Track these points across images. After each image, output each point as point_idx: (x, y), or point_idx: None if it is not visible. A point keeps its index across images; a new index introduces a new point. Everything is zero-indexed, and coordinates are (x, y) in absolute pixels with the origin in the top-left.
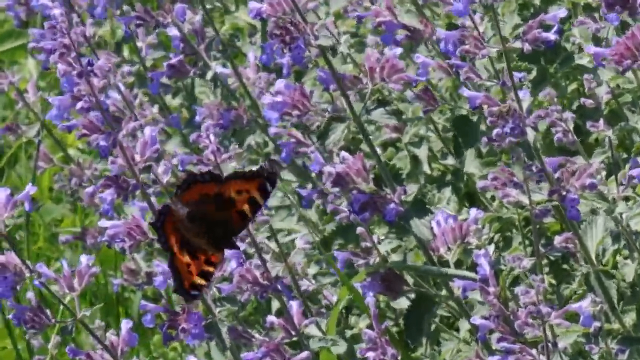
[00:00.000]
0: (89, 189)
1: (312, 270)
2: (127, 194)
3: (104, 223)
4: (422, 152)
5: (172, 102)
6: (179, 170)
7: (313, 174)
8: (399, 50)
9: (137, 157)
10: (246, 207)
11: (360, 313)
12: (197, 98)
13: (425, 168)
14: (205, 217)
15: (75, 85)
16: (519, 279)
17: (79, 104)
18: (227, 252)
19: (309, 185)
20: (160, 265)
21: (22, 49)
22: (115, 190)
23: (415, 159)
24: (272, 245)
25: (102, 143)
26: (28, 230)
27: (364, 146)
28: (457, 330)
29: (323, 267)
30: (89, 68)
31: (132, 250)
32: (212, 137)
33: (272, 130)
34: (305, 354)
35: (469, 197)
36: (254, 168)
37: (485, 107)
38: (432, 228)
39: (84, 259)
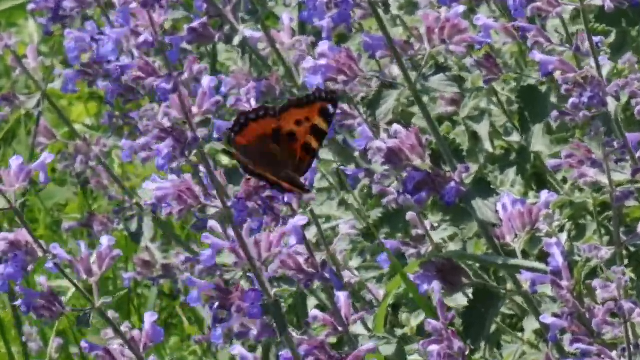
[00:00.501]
0: (142, 140)
1: (355, 263)
2: (184, 148)
3: (149, 184)
4: (482, 128)
5: None
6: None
7: (356, 154)
8: (461, 8)
9: (195, 109)
10: (310, 138)
11: (411, 310)
12: (223, 65)
13: (487, 146)
14: (267, 157)
15: (129, 19)
16: (596, 272)
17: (141, 38)
18: (286, 227)
19: (352, 165)
20: (210, 237)
21: (21, 8)
22: (172, 141)
23: (474, 136)
24: (309, 233)
25: (164, 85)
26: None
27: (416, 121)
28: (521, 331)
29: (367, 260)
30: None
31: (181, 216)
32: (252, 101)
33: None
34: (369, 345)
35: (536, 179)
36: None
37: (558, 73)
38: (497, 212)
39: (105, 240)
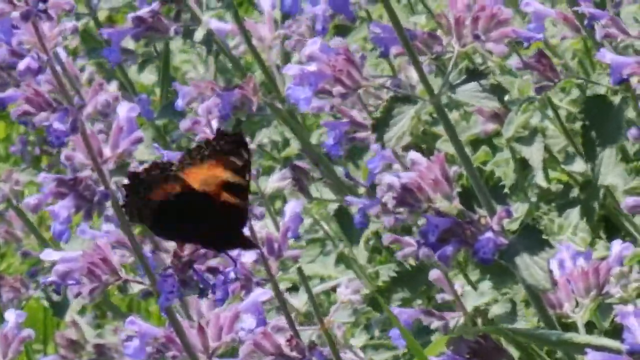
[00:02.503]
0: (31, 200)
1: (359, 340)
2: (92, 207)
3: (50, 254)
4: (534, 153)
5: (139, 78)
6: None
7: (361, 190)
8: None
9: (107, 151)
10: (226, 196)
11: None
12: (178, 70)
13: (539, 178)
14: (186, 221)
15: (13, 34)
16: None
17: (23, 64)
18: (242, 305)
19: (355, 208)
20: (136, 323)
21: None
22: (74, 200)
23: (523, 164)
24: (297, 300)
25: (57, 125)
26: None
27: (442, 145)
28: None
29: (375, 336)
30: (40, 6)
31: (95, 297)
32: (214, 123)
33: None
34: None
35: (607, 223)
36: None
37: (636, 80)
38: (551, 271)
39: (11, 316)
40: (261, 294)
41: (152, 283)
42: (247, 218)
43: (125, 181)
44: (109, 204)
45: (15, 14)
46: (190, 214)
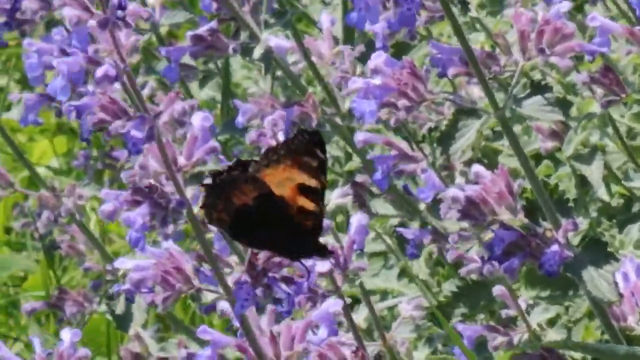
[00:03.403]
0: (107, 207)
1: (421, 355)
2: (167, 214)
3: (124, 262)
4: (594, 170)
5: (199, 94)
6: None
7: (422, 205)
8: (566, 5)
9: (182, 160)
10: (302, 199)
11: None
12: (239, 87)
13: (600, 193)
14: (263, 226)
15: (88, 42)
16: None
17: (100, 71)
18: (314, 315)
19: (417, 223)
20: (208, 332)
21: None
22: (150, 207)
23: (583, 180)
24: (357, 316)
25: (135, 132)
26: None
27: (504, 159)
28: None
29: (438, 351)
30: (119, 13)
31: (167, 306)
32: (280, 136)
33: (359, 136)
34: None
35: None
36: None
37: None
38: (616, 284)
39: (66, 335)
40: (333, 304)
41: (227, 292)
42: (323, 224)
43: (207, 181)
44: (184, 212)
45: (93, 22)
46: (267, 218)
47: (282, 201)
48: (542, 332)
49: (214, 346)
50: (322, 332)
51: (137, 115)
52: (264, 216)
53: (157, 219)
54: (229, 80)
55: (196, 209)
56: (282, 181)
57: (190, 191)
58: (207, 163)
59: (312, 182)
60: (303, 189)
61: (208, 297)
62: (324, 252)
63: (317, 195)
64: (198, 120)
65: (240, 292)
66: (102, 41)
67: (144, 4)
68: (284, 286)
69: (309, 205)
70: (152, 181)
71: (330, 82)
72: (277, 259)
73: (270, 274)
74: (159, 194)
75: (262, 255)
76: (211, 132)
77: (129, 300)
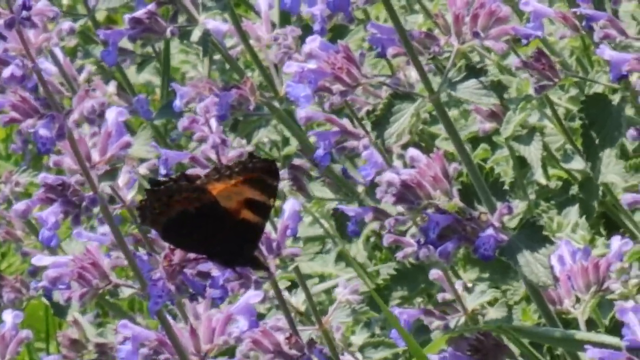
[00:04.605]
0: (20, 206)
1: (358, 339)
2: (80, 213)
3: (40, 259)
4: (532, 152)
5: (137, 78)
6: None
7: (360, 188)
8: None
9: (96, 156)
10: (246, 212)
11: None
12: (177, 71)
13: (538, 175)
14: (199, 232)
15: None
16: None
17: (7, 71)
18: (234, 307)
19: (354, 205)
20: (128, 326)
21: None
22: (62, 205)
23: (522, 162)
24: (296, 299)
25: (43, 132)
26: None
27: (441, 143)
28: None
29: (375, 334)
30: (24, 14)
31: (85, 302)
32: (213, 122)
33: (301, 113)
34: None
35: (606, 221)
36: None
37: (636, 76)
38: (551, 267)
39: (8, 316)
40: (253, 295)
41: (142, 287)
42: (261, 237)
43: (150, 186)
44: (97, 209)
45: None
46: (208, 226)
47: (226, 212)
48: (482, 312)
49: (134, 340)
50: (243, 324)
51: (47, 115)
52: (205, 224)
53: (70, 217)
54: (169, 63)
55: (112, 208)
56: (230, 195)
57: (104, 187)
58: (122, 158)
59: (261, 199)
60: (249, 203)
61: (125, 292)
62: (258, 264)
63: (262, 210)
64: (112, 115)
65: (154, 288)
66: (12, 40)
67: None
68: (198, 281)
69: (253, 218)
70: (65, 178)
71: (267, 66)
72: (192, 255)
73: (185, 270)
74: (72, 191)
75: (179, 252)
76: (147, 116)
77: (48, 297)
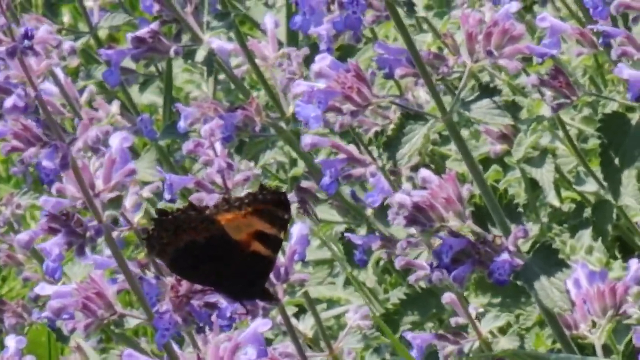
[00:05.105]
0: (23, 236)
1: None
2: (84, 242)
3: (43, 288)
4: (544, 174)
5: (140, 99)
6: (161, 202)
7: (369, 211)
8: (515, 6)
9: (100, 184)
10: (257, 245)
11: None
12: (181, 91)
13: (551, 198)
14: (207, 264)
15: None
16: None
17: (9, 101)
18: (242, 335)
19: (363, 229)
20: (133, 356)
21: None
22: (66, 236)
23: (534, 184)
24: (304, 325)
25: (47, 163)
26: None
27: (452, 164)
28: None
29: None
30: (25, 43)
31: (90, 333)
32: (218, 146)
33: (306, 139)
34: None
35: (621, 244)
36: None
37: None
38: (568, 292)
39: (11, 342)
40: (261, 324)
41: (149, 317)
42: (271, 270)
43: (157, 216)
44: (101, 239)
45: (2, 50)
46: (217, 258)
47: (236, 244)
48: (493, 340)
49: None
50: (251, 353)
51: (50, 144)
52: (214, 256)
53: (74, 247)
54: (171, 83)
55: (115, 234)
56: (240, 226)
57: (107, 215)
58: (127, 186)
59: (271, 232)
60: (260, 235)
61: (131, 322)
62: (268, 297)
63: (272, 243)
64: (116, 141)
65: (160, 321)
66: (13, 68)
67: (82, 6)
68: (205, 312)
69: (263, 250)
70: (67, 203)
71: (274, 85)
72: (199, 286)
73: (193, 302)
74: (76, 221)
75: (186, 282)
76: (151, 136)
77: (51, 328)
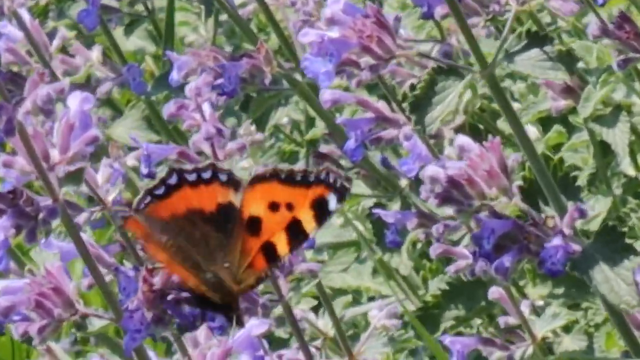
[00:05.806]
0: None
1: None
2: (36, 226)
3: None
4: (618, 135)
5: (126, 44)
6: (140, 178)
7: (404, 182)
8: None
9: (56, 155)
10: (281, 235)
11: None
12: (173, 35)
13: (625, 165)
14: (196, 245)
15: None
16: None
17: None
18: (234, 339)
19: (397, 204)
20: None
21: None
22: (13, 218)
23: (605, 148)
24: (323, 322)
25: None
26: None
27: (503, 125)
28: None
29: None
30: None
31: (46, 336)
32: (206, 107)
33: (326, 95)
34: None
35: None
36: (303, 168)
37: None
38: (637, 284)
39: None
40: (256, 325)
41: (117, 317)
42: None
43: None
44: (57, 221)
45: None
46: (217, 236)
47: (256, 224)
48: (555, 339)
49: None
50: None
51: None
52: (212, 231)
53: (24, 231)
54: (172, 22)
55: (85, 216)
56: (278, 203)
57: (63, 192)
58: (87, 156)
59: (309, 225)
60: (293, 226)
61: (96, 324)
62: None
63: (298, 239)
64: (75, 102)
65: (130, 321)
66: None
67: None
68: (186, 310)
69: (284, 247)
70: (16, 185)
71: (288, 28)
72: (177, 278)
73: (169, 297)
74: (26, 200)
75: (162, 274)
76: (139, 90)
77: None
